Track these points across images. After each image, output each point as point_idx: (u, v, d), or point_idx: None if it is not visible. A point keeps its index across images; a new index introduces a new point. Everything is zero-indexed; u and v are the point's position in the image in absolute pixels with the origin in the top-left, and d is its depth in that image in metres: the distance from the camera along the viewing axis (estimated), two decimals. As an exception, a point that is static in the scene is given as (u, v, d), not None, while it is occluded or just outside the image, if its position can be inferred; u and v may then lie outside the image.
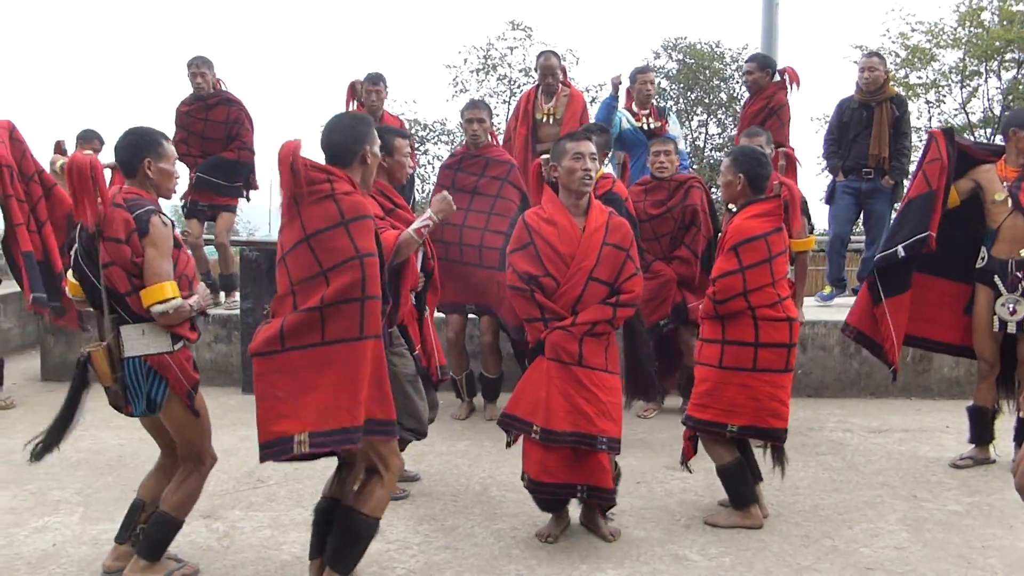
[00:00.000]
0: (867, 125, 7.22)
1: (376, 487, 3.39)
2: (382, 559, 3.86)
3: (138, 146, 3.50)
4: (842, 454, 5.39)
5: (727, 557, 3.90)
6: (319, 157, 3.37)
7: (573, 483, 3.97)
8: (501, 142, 6.69)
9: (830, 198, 7.56)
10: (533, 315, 3.98)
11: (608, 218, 4.03)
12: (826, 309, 7.42)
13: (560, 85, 7.01)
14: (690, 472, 4.63)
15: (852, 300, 7.53)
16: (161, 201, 3.64)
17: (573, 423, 3.87)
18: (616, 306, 3.96)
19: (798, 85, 7.13)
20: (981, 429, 5.16)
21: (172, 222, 3.52)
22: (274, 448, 3.18)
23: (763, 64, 7.33)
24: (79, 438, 5.65)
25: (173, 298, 3.37)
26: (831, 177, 7.60)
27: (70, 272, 3.60)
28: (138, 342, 3.41)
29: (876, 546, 4.02)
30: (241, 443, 5.52)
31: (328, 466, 3.63)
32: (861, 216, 7.61)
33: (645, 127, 7.11)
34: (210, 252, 8.28)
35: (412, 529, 4.20)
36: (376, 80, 6.96)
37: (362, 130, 3.40)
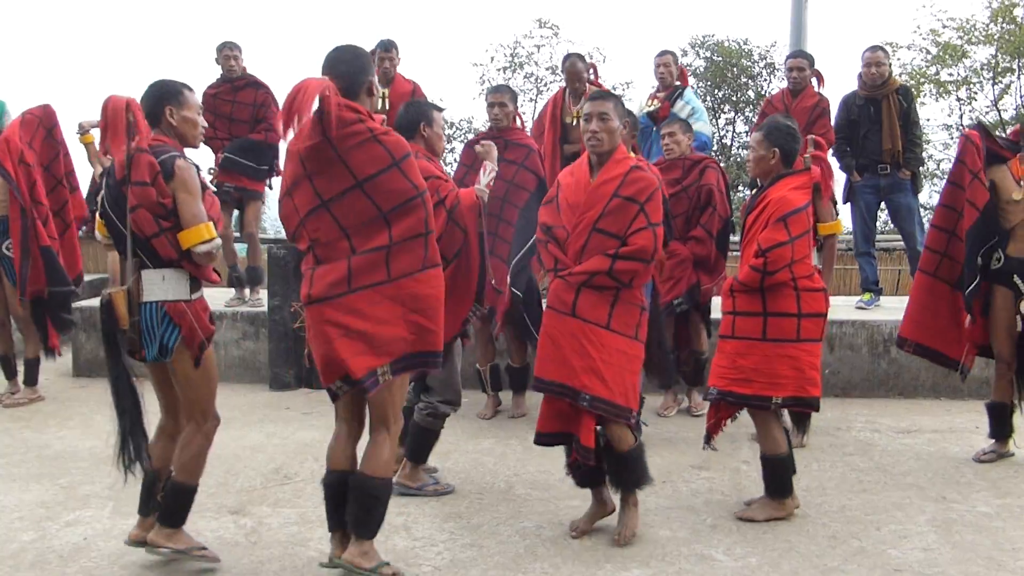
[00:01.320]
0: (876, 120, 7.16)
1: (381, 449, 3.42)
2: (408, 556, 3.88)
3: (159, 95, 3.56)
4: (870, 455, 5.34)
5: (753, 557, 3.88)
6: None
7: (567, 432, 3.99)
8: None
9: (848, 198, 7.50)
10: (550, 265, 4.04)
11: (627, 171, 3.94)
12: (854, 308, 7.37)
13: (588, 86, 7.01)
14: (715, 450, 4.59)
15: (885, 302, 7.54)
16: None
17: (557, 372, 3.88)
18: (615, 257, 3.84)
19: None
20: (1001, 425, 5.18)
21: (197, 165, 3.58)
22: (359, 383, 3.29)
23: (812, 62, 7.40)
24: (109, 433, 5.71)
25: (213, 239, 3.47)
26: (845, 177, 7.51)
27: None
28: (158, 287, 3.48)
29: (904, 547, 3.99)
30: (268, 440, 5.57)
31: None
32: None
33: (651, 109, 7.12)
34: (240, 250, 8.33)
35: (438, 527, 4.22)
36: (388, 47, 7.04)
37: (365, 61, 3.45)
